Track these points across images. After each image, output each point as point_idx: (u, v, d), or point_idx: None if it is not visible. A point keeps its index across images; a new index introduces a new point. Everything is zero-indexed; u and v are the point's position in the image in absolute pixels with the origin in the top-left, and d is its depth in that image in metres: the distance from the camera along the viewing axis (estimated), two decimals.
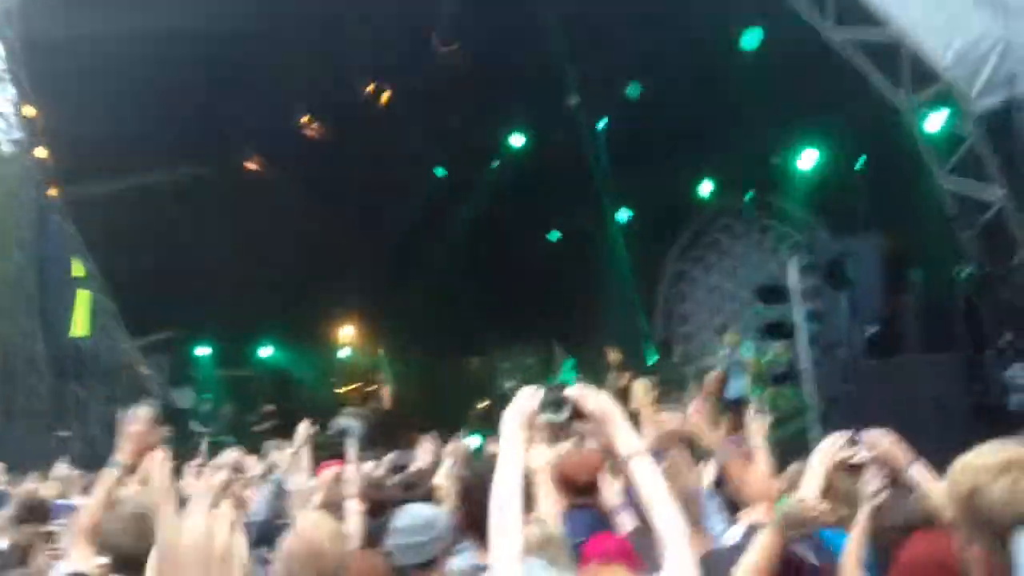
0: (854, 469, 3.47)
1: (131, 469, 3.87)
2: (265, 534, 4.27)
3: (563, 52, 12.28)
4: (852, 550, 3.25)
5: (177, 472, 5.22)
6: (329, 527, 3.24)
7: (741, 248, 16.27)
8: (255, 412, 16.20)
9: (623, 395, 5.38)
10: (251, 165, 15.14)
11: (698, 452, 4.37)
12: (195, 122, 13.15)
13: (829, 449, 3.44)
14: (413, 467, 6.43)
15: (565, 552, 3.16)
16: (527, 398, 2.34)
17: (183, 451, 7.02)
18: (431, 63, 13.49)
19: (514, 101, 14.43)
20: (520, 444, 2.29)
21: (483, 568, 3.03)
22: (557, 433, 3.62)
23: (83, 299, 14.63)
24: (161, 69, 12.08)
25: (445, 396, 16.38)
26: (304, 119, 14.85)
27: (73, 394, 15.23)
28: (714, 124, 12.83)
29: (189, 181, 14.41)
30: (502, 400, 11.23)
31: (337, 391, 17.37)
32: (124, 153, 13.10)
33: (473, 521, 3.51)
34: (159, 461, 3.91)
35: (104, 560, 3.42)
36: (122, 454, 3.79)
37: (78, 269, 14.52)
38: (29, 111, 13.98)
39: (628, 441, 2.31)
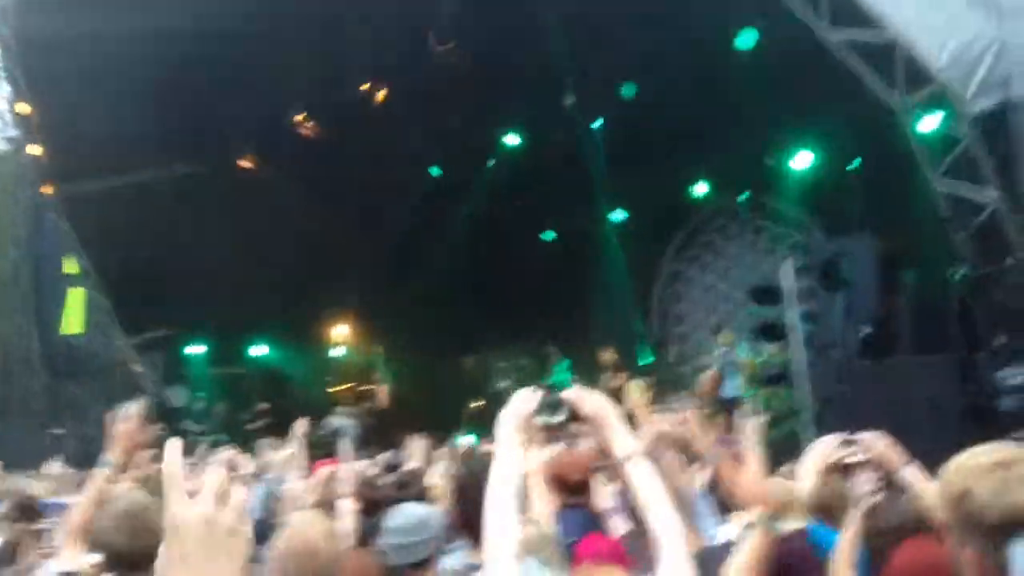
0: (847, 470, 3.48)
1: (122, 467, 3.85)
2: (259, 533, 4.25)
3: (562, 52, 12.29)
4: (844, 550, 3.25)
5: None
6: (323, 526, 3.24)
7: (736, 249, 16.28)
8: (248, 410, 16.18)
9: (617, 395, 5.36)
10: (245, 163, 15.11)
11: (690, 455, 4.36)
12: (192, 120, 13.10)
13: (822, 451, 3.45)
14: (407, 466, 6.42)
15: (558, 552, 3.16)
16: (523, 400, 2.34)
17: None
18: (430, 63, 13.49)
19: (512, 101, 14.43)
20: (516, 446, 2.29)
21: (476, 567, 3.03)
22: (552, 434, 3.61)
23: (76, 297, 14.57)
24: (157, 67, 12.04)
25: (442, 395, 16.35)
26: (299, 117, 14.83)
27: (68, 392, 15.17)
28: (710, 125, 12.86)
29: (185, 179, 14.37)
30: (496, 399, 11.24)
31: (330, 390, 17.34)
32: (119, 151, 13.04)
33: (467, 520, 3.51)
34: (170, 447, 3.89)
35: (96, 558, 3.41)
36: (112, 452, 3.77)
37: (70, 267, 14.47)
38: (24, 108, 13.91)
39: (624, 443, 2.31)
